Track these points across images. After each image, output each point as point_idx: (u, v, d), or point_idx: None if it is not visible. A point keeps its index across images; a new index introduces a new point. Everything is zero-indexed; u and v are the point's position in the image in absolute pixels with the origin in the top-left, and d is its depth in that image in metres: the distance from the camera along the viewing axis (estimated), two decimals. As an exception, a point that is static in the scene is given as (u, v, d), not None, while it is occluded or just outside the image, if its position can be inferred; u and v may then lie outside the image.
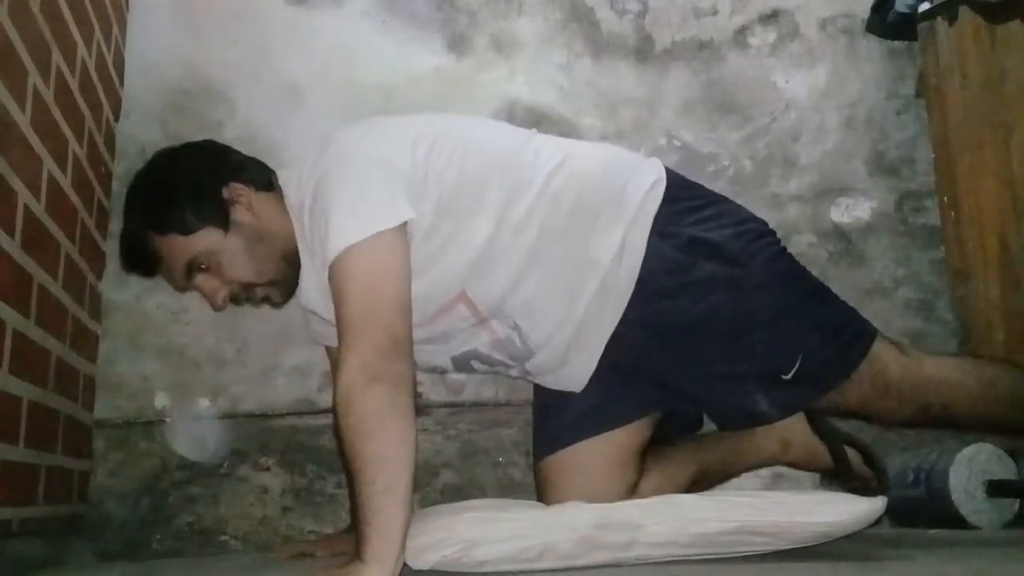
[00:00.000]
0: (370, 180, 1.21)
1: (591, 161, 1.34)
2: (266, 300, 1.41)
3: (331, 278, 1.17)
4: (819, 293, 1.39)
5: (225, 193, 1.35)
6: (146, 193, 1.39)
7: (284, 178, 1.41)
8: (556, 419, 1.44)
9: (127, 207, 1.42)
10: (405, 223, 1.20)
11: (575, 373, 1.37)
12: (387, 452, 1.06)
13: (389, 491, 1.03)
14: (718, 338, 1.29)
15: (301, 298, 1.43)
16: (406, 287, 1.17)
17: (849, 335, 1.34)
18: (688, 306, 1.27)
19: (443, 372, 1.50)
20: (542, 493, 1.43)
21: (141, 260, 1.38)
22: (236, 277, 1.34)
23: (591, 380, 1.39)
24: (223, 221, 1.33)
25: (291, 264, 1.35)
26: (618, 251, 1.27)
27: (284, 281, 1.37)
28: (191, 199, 1.33)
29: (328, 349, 1.58)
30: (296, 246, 1.34)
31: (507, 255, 1.27)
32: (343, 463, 1.37)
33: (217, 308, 1.39)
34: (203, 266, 1.33)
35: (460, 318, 1.32)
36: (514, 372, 1.44)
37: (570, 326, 1.31)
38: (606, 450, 1.38)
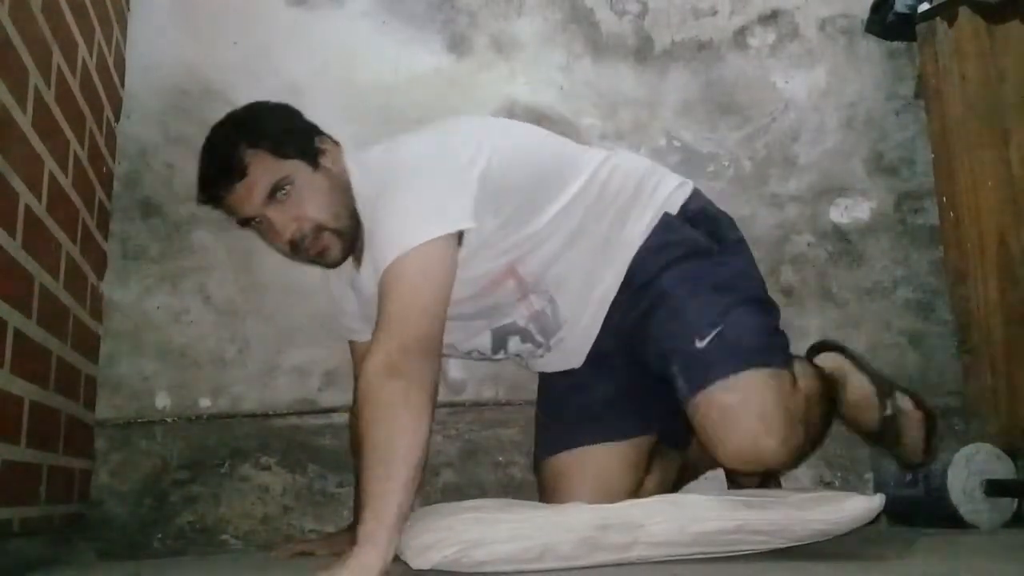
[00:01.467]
0: (437, 185, 1.27)
1: (631, 160, 1.50)
2: (324, 253, 1.37)
3: (385, 273, 1.22)
4: (771, 304, 1.42)
5: (317, 141, 1.40)
6: (245, 112, 1.41)
7: (347, 159, 1.44)
8: (568, 418, 1.45)
9: (218, 125, 1.40)
10: (463, 231, 1.27)
11: (581, 345, 1.44)
12: (393, 442, 1.10)
13: (389, 479, 1.08)
14: (672, 296, 1.34)
15: (334, 288, 1.50)
16: (446, 295, 1.23)
17: (774, 341, 1.36)
18: (661, 262, 1.36)
19: (481, 357, 1.52)
20: (546, 492, 1.44)
21: (225, 170, 1.33)
22: (313, 214, 1.33)
23: (608, 385, 1.43)
24: (313, 160, 1.36)
25: (356, 226, 1.37)
26: (645, 231, 1.39)
27: (348, 237, 1.37)
28: (288, 130, 1.38)
29: (353, 346, 1.59)
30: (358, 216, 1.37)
31: (554, 235, 1.36)
32: (353, 455, 1.43)
33: (283, 243, 1.35)
34: (284, 193, 1.32)
35: (507, 292, 1.38)
36: (540, 353, 1.47)
37: (595, 299, 1.40)
38: (620, 451, 1.40)
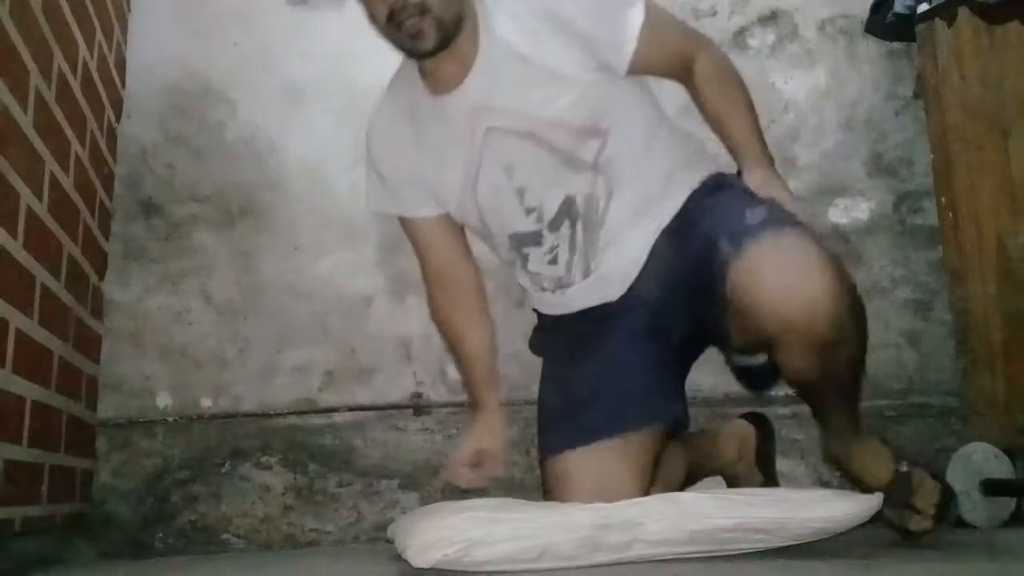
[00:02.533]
0: None
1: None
2: (418, 36, 1.24)
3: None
4: None
5: None
6: None
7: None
8: (576, 408, 1.41)
9: None
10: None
11: (625, 271, 1.38)
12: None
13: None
14: (719, 204, 1.33)
15: (393, 160, 1.42)
16: None
17: None
18: (711, 204, 1.35)
19: (525, 229, 1.40)
20: (554, 488, 1.40)
21: None
22: None
23: (618, 381, 1.38)
24: None
25: (459, 20, 1.26)
26: (702, 177, 1.40)
27: (448, 29, 1.26)
28: None
29: (413, 223, 1.47)
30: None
31: (654, 130, 1.38)
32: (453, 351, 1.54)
33: (384, 5, 1.24)
34: None
35: (586, 149, 1.32)
36: (573, 275, 1.40)
37: (647, 222, 1.37)
38: (627, 450, 1.36)
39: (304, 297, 1.90)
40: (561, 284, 1.41)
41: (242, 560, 1.60)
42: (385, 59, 2.04)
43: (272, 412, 1.85)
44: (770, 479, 1.54)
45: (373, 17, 1.27)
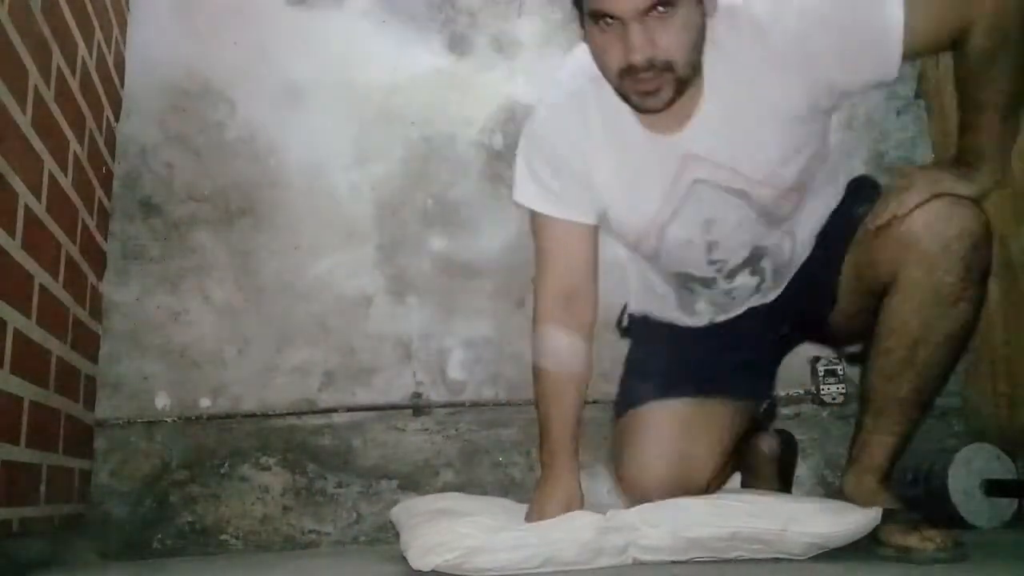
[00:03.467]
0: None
1: None
2: (654, 93, 1.15)
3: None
4: None
5: None
6: None
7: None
8: (672, 374, 1.38)
9: None
10: None
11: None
12: None
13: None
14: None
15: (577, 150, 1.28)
16: None
17: None
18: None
19: (711, 273, 1.37)
20: (629, 443, 1.36)
21: None
22: (673, 51, 1.13)
23: (727, 353, 1.37)
24: (712, 3, 1.17)
25: (693, 76, 1.18)
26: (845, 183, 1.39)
27: (682, 87, 1.17)
28: None
29: (555, 225, 1.32)
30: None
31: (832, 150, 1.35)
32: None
33: (621, 62, 1.13)
34: (664, 11, 1.10)
35: (786, 205, 1.28)
36: (755, 298, 1.39)
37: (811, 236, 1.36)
38: (713, 417, 1.35)
39: (304, 297, 1.90)
40: (724, 311, 1.40)
41: (241, 561, 1.59)
42: (385, 59, 2.06)
43: (271, 412, 1.84)
44: (786, 487, 1.54)
45: (605, 67, 1.16)
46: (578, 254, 1.31)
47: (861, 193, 1.34)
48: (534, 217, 1.32)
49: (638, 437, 1.35)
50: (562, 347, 1.29)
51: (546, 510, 1.22)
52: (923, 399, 1.21)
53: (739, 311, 1.40)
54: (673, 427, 1.33)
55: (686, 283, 1.37)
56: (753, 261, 1.33)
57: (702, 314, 1.41)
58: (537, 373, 1.30)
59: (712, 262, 1.32)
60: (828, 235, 1.34)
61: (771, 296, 1.39)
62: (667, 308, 1.43)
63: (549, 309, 1.30)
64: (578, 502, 1.25)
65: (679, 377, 1.37)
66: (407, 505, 1.39)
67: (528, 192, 1.31)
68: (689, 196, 1.24)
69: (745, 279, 1.35)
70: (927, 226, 1.16)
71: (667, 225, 1.28)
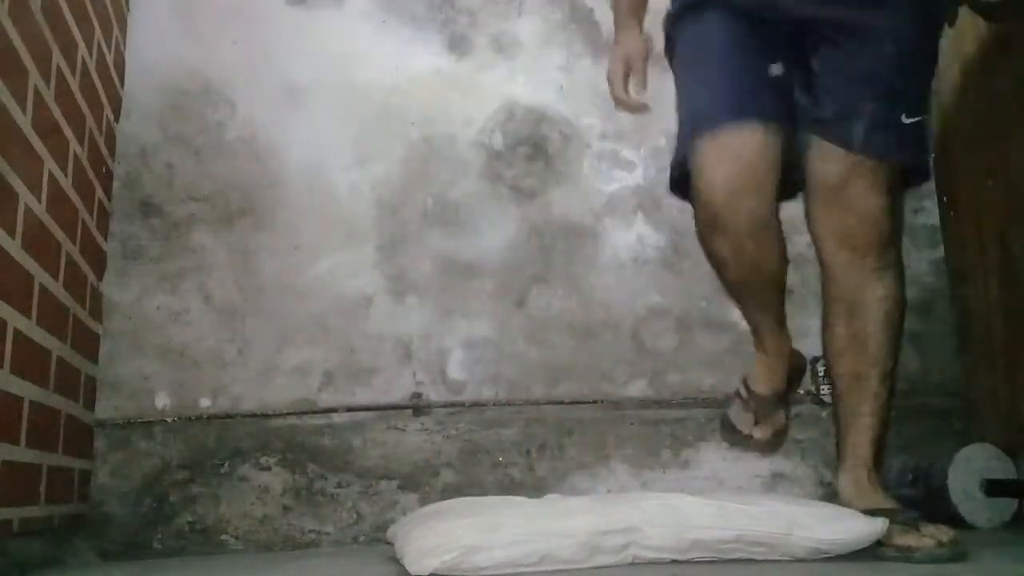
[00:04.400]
0: None
1: None
2: None
3: None
4: None
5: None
6: None
7: None
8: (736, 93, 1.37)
9: None
10: None
11: None
12: None
13: None
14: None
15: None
16: None
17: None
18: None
19: None
20: (704, 167, 1.35)
21: None
22: None
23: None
24: None
25: None
26: None
27: None
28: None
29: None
30: None
31: None
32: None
33: None
34: None
35: None
36: None
37: None
38: (768, 138, 1.35)
39: (304, 297, 1.90)
40: None
41: (241, 561, 1.59)
42: (385, 59, 2.06)
43: (271, 412, 1.84)
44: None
45: None
46: None
47: None
48: None
49: (715, 164, 1.35)
50: None
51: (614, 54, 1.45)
52: (879, 371, 1.27)
53: None
54: (743, 152, 1.35)
55: None
56: None
57: None
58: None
59: None
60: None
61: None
62: None
63: None
64: (639, 41, 1.46)
65: (731, 97, 1.37)
66: (401, 521, 1.41)
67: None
68: None
69: None
70: None
71: None
